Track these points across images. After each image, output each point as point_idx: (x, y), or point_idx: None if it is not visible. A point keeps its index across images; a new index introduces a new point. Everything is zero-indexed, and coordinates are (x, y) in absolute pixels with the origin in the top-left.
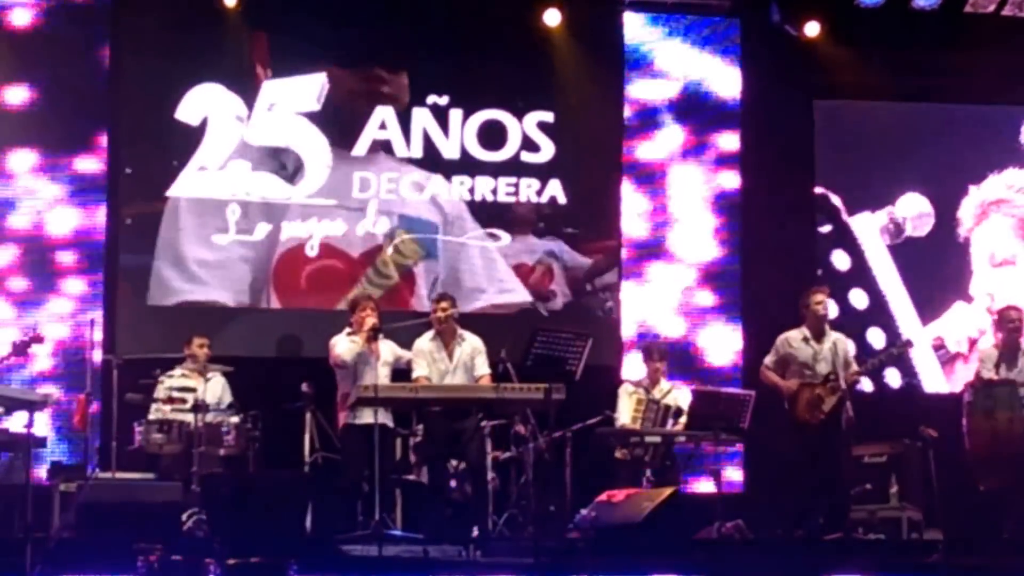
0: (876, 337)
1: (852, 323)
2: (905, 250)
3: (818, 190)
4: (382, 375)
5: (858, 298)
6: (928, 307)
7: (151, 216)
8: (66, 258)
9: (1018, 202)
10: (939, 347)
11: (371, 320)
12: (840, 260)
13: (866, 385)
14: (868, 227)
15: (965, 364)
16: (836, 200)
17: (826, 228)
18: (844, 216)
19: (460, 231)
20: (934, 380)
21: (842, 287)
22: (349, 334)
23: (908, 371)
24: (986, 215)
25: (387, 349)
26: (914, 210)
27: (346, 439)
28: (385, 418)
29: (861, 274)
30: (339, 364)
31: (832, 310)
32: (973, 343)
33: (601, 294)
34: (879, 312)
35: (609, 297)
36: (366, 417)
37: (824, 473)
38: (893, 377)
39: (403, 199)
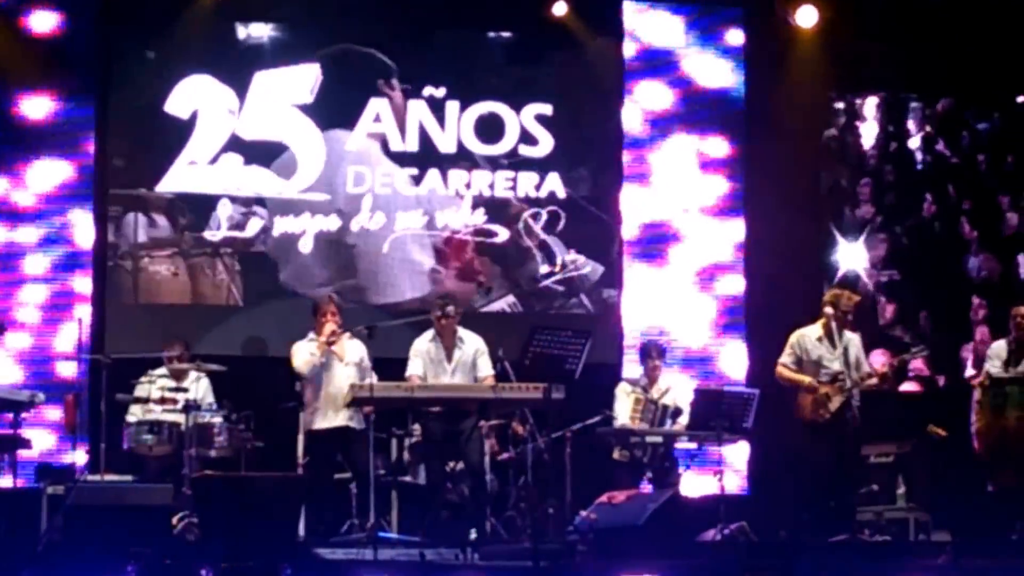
0: None
1: None
2: None
3: None
4: (347, 376)
5: None
6: None
7: (140, 212)
8: (53, 255)
9: None
10: None
11: (330, 327)
12: None
13: None
14: None
15: None
16: None
17: None
18: None
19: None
20: None
21: None
22: (312, 339)
23: None
24: None
25: (353, 349)
26: None
27: (310, 445)
28: (350, 420)
29: None
30: (297, 375)
31: None
32: None
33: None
34: None
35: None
36: (327, 421)
37: (831, 473)
38: None
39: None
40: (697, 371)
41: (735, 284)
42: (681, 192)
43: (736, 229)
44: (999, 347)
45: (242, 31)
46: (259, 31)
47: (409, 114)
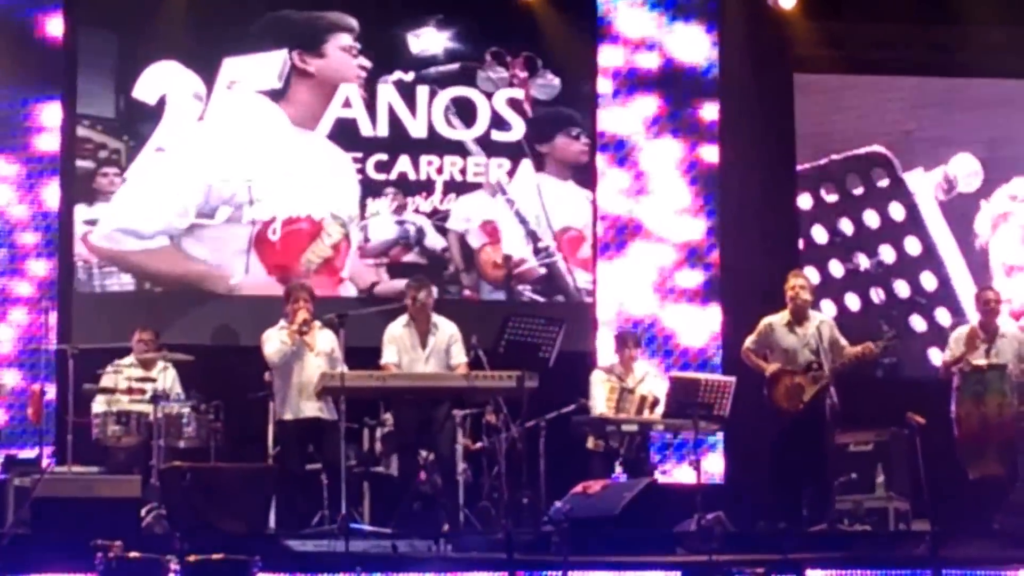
0: (928, 280)
1: (907, 267)
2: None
3: (876, 148)
4: (317, 366)
5: (912, 245)
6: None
7: (107, 202)
8: (18, 242)
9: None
10: None
11: (302, 315)
12: (896, 211)
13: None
14: (922, 183)
15: None
16: (892, 156)
17: (883, 182)
18: (899, 172)
19: None
20: None
21: (898, 235)
22: (283, 327)
23: (957, 310)
24: (996, 227)
25: (324, 339)
26: (965, 169)
27: (280, 435)
28: (320, 411)
29: (915, 224)
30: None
31: (889, 256)
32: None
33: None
34: (930, 258)
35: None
36: (297, 412)
37: (807, 462)
38: (943, 317)
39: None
40: (668, 354)
41: (712, 262)
42: (657, 171)
43: (711, 207)
44: (963, 331)
45: (212, 16)
46: (230, 17)
47: (379, 99)
